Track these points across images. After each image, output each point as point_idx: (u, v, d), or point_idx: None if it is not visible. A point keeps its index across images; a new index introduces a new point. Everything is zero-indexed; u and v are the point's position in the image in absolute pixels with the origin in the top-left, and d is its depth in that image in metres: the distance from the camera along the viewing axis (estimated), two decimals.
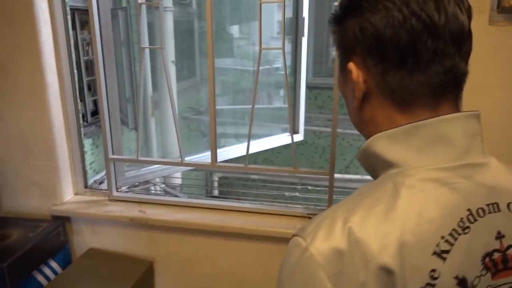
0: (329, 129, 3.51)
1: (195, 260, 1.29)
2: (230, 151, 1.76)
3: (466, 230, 0.48)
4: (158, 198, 1.34)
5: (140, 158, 1.30)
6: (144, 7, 2.01)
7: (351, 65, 0.55)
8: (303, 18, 1.82)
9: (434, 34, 0.50)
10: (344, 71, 0.58)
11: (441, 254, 0.46)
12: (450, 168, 0.50)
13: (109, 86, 1.33)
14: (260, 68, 3.03)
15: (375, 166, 0.56)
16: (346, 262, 0.46)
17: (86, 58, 2.23)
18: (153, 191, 1.64)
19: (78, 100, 1.40)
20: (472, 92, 1.05)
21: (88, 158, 2.05)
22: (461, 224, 0.48)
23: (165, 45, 2.07)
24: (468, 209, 0.49)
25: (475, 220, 0.49)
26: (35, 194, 1.32)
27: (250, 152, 1.91)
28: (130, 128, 2.29)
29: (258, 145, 1.88)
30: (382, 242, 0.46)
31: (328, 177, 1.17)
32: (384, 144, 0.54)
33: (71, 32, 1.34)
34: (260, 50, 1.16)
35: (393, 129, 0.53)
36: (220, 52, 2.90)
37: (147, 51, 2.30)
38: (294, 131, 2.00)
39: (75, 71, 1.39)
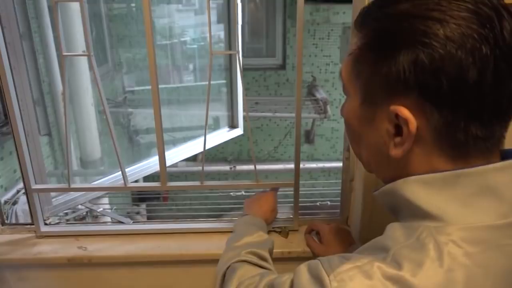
0: (255, 114, 3.45)
1: None
2: (171, 155, 1.58)
3: None
4: (99, 229, 1.14)
5: (73, 186, 1.09)
6: None
7: (405, 112, 0.43)
8: (237, 4, 1.67)
9: None
10: (373, 111, 0.47)
11: None
12: (498, 226, 0.42)
13: (19, 90, 1.07)
14: (167, 42, 2.81)
15: (402, 210, 0.48)
16: None
17: None
18: (87, 219, 1.42)
19: None
20: None
21: None
22: None
23: (74, 34, 1.79)
24: None
25: None
26: None
27: (184, 156, 1.74)
28: (42, 134, 1.98)
29: (195, 147, 1.72)
30: None
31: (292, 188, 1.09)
32: (418, 190, 0.45)
33: None
34: (211, 54, 1.01)
35: (431, 174, 0.44)
36: (128, 31, 2.67)
37: (50, 38, 1.98)
38: (233, 125, 1.89)
39: None
